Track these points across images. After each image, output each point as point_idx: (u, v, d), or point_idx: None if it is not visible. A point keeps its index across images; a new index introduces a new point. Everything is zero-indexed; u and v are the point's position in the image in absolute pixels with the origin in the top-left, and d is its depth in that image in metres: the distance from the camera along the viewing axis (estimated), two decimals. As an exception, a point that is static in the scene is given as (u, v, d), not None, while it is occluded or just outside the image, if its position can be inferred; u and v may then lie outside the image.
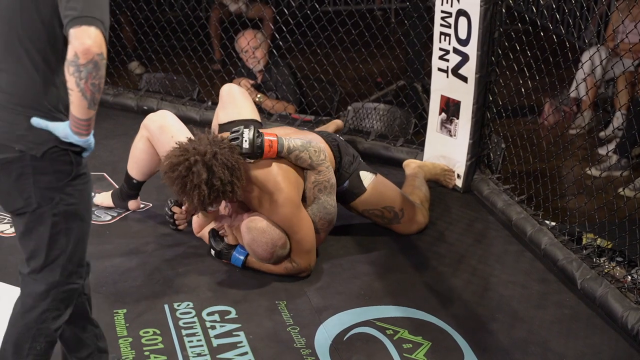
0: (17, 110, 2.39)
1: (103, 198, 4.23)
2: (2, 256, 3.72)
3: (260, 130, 3.55)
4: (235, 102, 4.04)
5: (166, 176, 3.36)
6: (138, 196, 4.17)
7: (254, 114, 4.03)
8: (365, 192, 3.91)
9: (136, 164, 4.04)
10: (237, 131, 3.50)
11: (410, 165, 4.54)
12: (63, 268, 2.54)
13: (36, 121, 2.39)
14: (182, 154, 3.33)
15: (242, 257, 3.64)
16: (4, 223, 4.00)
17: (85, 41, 2.25)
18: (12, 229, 3.93)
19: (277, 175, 3.52)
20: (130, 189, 4.13)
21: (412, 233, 4.06)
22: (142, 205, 4.21)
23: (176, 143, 3.44)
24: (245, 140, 3.45)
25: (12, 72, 2.39)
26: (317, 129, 4.43)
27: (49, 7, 2.33)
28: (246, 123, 3.72)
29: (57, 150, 2.43)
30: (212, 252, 3.68)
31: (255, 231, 3.50)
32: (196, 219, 3.85)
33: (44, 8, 2.33)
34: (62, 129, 2.40)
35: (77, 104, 2.33)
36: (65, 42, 2.32)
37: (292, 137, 3.64)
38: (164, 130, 3.91)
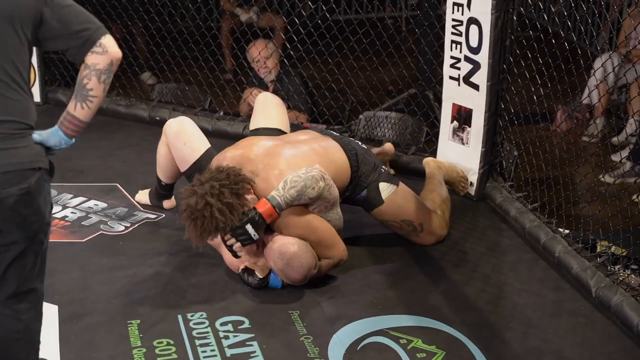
0: (24, 133, 2.43)
1: (141, 196, 4.37)
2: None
3: (254, 208, 3.46)
4: (265, 110, 4.11)
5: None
6: (172, 196, 4.27)
7: (280, 124, 4.08)
8: (382, 204, 3.89)
9: (160, 168, 4.15)
10: (240, 228, 3.44)
11: (430, 164, 4.49)
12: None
13: (34, 137, 2.45)
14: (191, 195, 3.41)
15: (280, 279, 3.61)
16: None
17: (117, 49, 2.45)
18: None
19: None
20: (161, 189, 4.24)
21: (430, 244, 4.04)
22: (175, 204, 4.26)
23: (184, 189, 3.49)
24: (254, 235, 3.44)
25: (8, 96, 2.42)
26: (375, 150, 4.42)
27: (30, 28, 2.42)
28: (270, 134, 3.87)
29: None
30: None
31: (288, 255, 3.49)
32: (227, 257, 3.75)
33: (26, 29, 2.41)
34: (53, 137, 2.48)
35: (93, 109, 2.46)
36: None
37: (289, 182, 3.49)
38: (178, 136, 3.98)
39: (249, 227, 3.43)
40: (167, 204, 4.30)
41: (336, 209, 3.70)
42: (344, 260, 3.71)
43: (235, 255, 3.57)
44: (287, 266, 3.50)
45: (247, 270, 3.62)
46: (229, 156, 3.69)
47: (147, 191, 4.37)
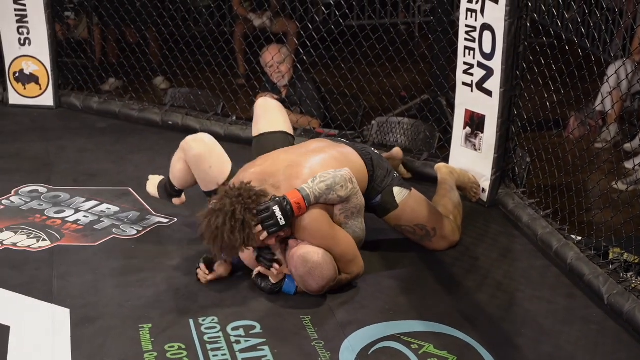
0: None
1: (151, 188, 4.27)
2: (29, 271, 3.74)
3: (284, 195, 3.48)
4: (267, 114, 4.12)
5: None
6: (182, 194, 4.19)
7: (285, 126, 4.09)
8: (397, 209, 3.88)
9: (175, 178, 4.06)
10: (267, 210, 3.43)
11: (442, 170, 4.48)
12: None
13: None
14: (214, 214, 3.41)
15: (294, 285, 3.60)
16: (31, 238, 4.03)
17: None
18: (39, 244, 3.97)
19: None
20: (172, 191, 4.15)
21: (442, 249, 4.04)
22: (185, 200, 4.22)
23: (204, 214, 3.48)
24: (280, 219, 3.43)
25: None
26: (385, 154, 4.40)
27: None
28: (278, 139, 3.93)
29: None
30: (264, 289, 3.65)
31: (311, 264, 3.47)
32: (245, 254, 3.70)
33: None
34: None
35: None
36: None
37: (318, 177, 3.54)
38: (202, 159, 3.89)
39: (276, 209, 3.41)
40: (177, 201, 4.23)
41: (361, 218, 3.71)
42: (361, 275, 3.72)
43: (268, 265, 3.58)
44: (308, 274, 3.49)
45: (260, 275, 3.62)
46: (249, 174, 3.63)
47: (156, 181, 4.25)
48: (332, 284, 3.56)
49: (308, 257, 3.48)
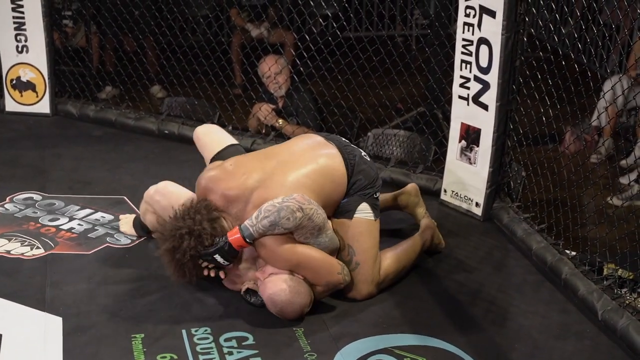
0: None
1: (125, 227, 4.22)
2: (23, 279, 3.73)
3: (226, 235, 3.45)
4: (211, 135, 4.07)
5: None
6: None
7: (231, 139, 4.03)
8: (349, 220, 3.66)
9: (148, 224, 4.08)
10: (208, 256, 3.47)
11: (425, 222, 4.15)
12: None
13: None
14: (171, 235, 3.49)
15: None
16: (25, 245, 4.02)
17: None
18: (32, 252, 3.96)
19: None
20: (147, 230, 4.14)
21: (348, 294, 3.69)
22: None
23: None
24: (223, 262, 3.47)
25: None
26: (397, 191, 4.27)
27: None
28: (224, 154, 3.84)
29: None
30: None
31: (279, 305, 3.44)
32: (227, 281, 3.68)
33: None
34: None
35: None
36: None
37: (263, 212, 3.38)
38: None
39: (217, 257, 3.45)
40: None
41: (325, 232, 3.51)
42: (345, 282, 3.58)
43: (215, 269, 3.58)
44: (280, 312, 3.46)
45: (249, 291, 3.58)
46: (218, 195, 3.58)
47: (130, 220, 4.22)
48: (309, 308, 3.52)
49: (275, 298, 3.42)
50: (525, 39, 4.27)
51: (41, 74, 5.90)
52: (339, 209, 3.69)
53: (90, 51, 6.56)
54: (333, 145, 3.76)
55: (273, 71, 5.63)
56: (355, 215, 3.66)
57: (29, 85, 5.92)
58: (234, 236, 3.42)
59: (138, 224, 4.16)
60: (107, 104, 6.08)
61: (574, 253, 4.02)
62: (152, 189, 3.97)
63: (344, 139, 3.88)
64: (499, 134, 4.39)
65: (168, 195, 3.88)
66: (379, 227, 3.75)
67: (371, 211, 3.69)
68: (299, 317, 3.50)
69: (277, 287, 3.44)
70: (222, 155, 3.87)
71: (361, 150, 3.85)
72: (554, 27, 4.67)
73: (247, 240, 3.41)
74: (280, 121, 5.60)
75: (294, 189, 3.49)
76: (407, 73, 5.33)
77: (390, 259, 3.79)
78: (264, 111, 5.63)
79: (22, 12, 5.74)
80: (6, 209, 4.43)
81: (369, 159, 3.82)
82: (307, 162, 3.66)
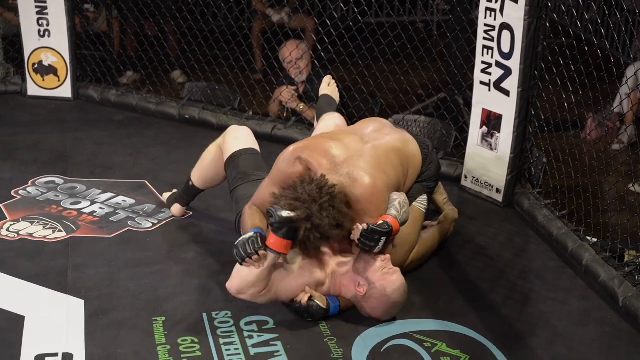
0: None
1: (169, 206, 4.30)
2: (45, 262, 3.76)
3: (389, 224, 3.29)
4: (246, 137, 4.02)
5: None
6: (186, 205, 4.23)
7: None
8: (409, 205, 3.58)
9: (201, 168, 4.06)
10: (372, 239, 3.26)
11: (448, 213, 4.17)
12: None
13: None
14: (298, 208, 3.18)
15: (338, 304, 3.43)
16: (47, 228, 4.05)
17: None
18: (55, 235, 3.98)
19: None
20: (186, 193, 4.17)
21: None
22: (185, 215, 4.25)
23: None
24: (379, 248, 3.28)
25: None
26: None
27: None
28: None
29: None
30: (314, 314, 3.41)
31: (402, 300, 3.35)
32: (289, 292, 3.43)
33: None
34: None
35: None
36: None
37: (400, 205, 3.36)
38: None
39: (383, 239, 3.27)
40: (177, 210, 4.24)
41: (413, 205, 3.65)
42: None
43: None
44: (394, 304, 3.34)
45: (311, 299, 3.37)
46: (325, 162, 3.38)
47: (168, 197, 4.32)
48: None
49: (406, 290, 3.36)
50: (547, 25, 4.25)
51: (63, 58, 5.92)
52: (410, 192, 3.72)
53: (111, 36, 6.57)
54: (404, 130, 3.81)
55: (294, 56, 5.63)
56: (414, 203, 3.71)
57: (51, 70, 5.95)
58: (395, 225, 3.29)
59: (173, 196, 4.24)
60: (128, 89, 6.10)
61: (595, 240, 4.00)
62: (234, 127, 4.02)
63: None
64: (520, 120, 4.37)
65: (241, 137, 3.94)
66: (422, 219, 3.83)
67: (426, 203, 3.80)
68: (385, 317, 3.39)
69: (401, 280, 3.35)
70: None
71: (430, 143, 3.90)
72: (576, 13, 4.64)
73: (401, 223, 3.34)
74: (302, 105, 5.60)
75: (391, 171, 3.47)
76: (429, 58, 5.32)
77: (419, 245, 3.82)
78: (286, 94, 5.62)
79: (44, -3, 5.77)
80: (28, 192, 4.46)
81: (434, 150, 3.91)
82: (391, 145, 3.61)
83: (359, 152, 3.45)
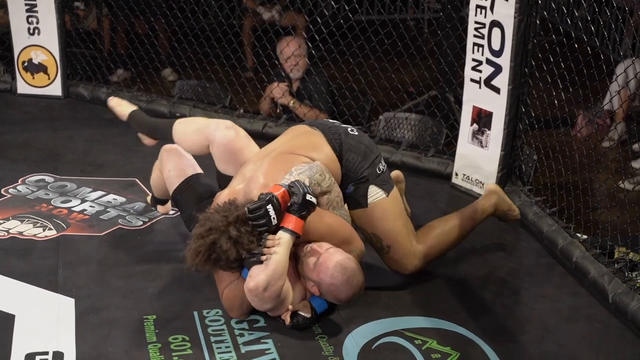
0: None
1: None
2: (35, 260, 3.75)
3: (271, 192, 3.19)
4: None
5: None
6: (168, 202, 4.20)
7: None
8: (364, 209, 3.56)
9: (155, 188, 4.08)
10: (259, 210, 3.16)
11: (488, 196, 4.02)
12: None
13: None
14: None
15: (324, 300, 3.37)
16: (37, 227, 4.04)
17: None
18: (45, 233, 3.98)
19: None
20: (155, 201, 4.20)
21: (395, 270, 3.69)
22: (171, 212, 4.23)
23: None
24: (273, 218, 3.15)
25: None
26: None
27: None
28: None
29: None
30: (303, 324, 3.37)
31: (349, 271, 3.24)
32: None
33: None
34: None
35: None
36: None
37: (294, 171, 3.33)
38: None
39: (269, 208, 3.14)
40: (162, 209, 4.24)
41: (344, 205, 3.51)
42: (364, 252, 3.49)
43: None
44: (345, 282, 3.25)
45: (295, 314, 3.34)
46: (231, 191, 3.44)
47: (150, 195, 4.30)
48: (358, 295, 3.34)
49: (345, 264, 3.24)
50: (537, 22, 4.26)
51: (53, 56, 5.91)
52: (352, 200, 3.57)
53: (101, 34, 6.56)
54: (317, 130, 3.61)
55: (296, 54, 5.61)
56: (368, 202, 3.56)
57: (41, 68, 5.93)
58: (278, 190, 3.18)
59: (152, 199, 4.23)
60: (118, 87, 6.09)
61: (585, 236, 4.02)
62: (166, 146, 3.94)
63: (330, 121, 3.74)
64: (510, 117, 4.38)
65: (174, 156, 3.85)
66: (396, 198, 3.63)
67: (380, 189, 3.56)
68: (349, 299, 3.30)
69: (345, 255, 3.28)
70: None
71: (347, 127, 3.66)
72: (566, 10, 4.64)
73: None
74: (293, 101, 5.59)
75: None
76: (419, 56, 5.32)
77: (436, 230, 3.74)
78: (279, 90, 5.61)
79: (34, -6, 5.76)
80: (18, 190, 4.45)
81: (356, 133, 3.62)
82: (288, 154, 3.54)
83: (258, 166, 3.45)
